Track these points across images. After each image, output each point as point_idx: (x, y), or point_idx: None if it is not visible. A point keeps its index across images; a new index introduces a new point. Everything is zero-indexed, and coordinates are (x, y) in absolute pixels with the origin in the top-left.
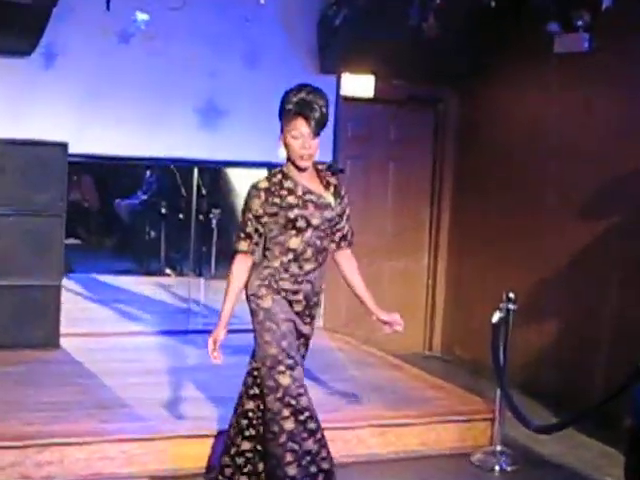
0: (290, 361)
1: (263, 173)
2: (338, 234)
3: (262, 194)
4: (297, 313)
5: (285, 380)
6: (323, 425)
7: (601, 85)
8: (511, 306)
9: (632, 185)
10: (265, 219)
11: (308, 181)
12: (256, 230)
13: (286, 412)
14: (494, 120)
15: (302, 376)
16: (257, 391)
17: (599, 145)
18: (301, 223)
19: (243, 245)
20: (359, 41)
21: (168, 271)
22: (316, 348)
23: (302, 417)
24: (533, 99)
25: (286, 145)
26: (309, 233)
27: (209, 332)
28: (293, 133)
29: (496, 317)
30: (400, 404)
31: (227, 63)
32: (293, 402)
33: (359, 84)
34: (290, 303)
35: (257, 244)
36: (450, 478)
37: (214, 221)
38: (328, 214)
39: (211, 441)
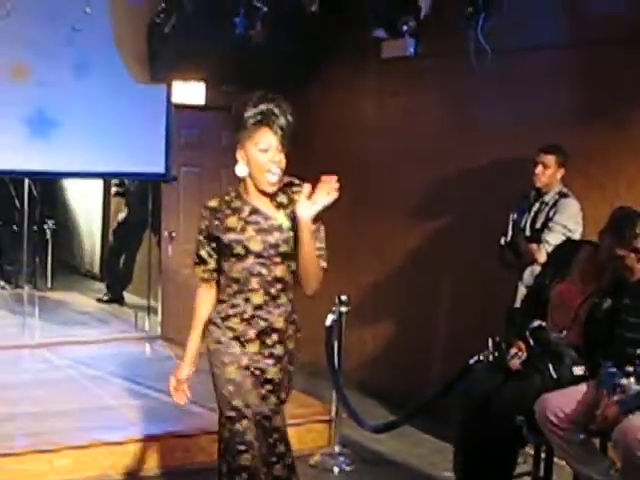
0: (232, 413)
1: (98, 183)
2: None
3: (208, 214)
4: (255, 354)
5: (225, 433)
6: (166, 435)
7: (426, 89)
8: (343, 308)
9: (458, 188)
10: (213, 244)
11: (262, 200)
12: (209, 254)
13: (224, 469)
14: (326, 125)
15: (249, 430)
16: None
17: (426, 149)
18: (238, 249)
19: (198, 271)
20: (188, 49)
21: (2, 284)
22: (154, 357)
23: (239, 479)
24: (363, 104)
25: (249, 161)
26: (250, 260)
27: (45, 345)
28: (260, 146)
29: (329, 319)
30: None
31: (57, 73)
32: (229, 459)
33: (190, 91)
34: (241, 343)
35: (216, 270)
36: None
37: (49, 232)
38: (273, 239)
39: (48, 457)
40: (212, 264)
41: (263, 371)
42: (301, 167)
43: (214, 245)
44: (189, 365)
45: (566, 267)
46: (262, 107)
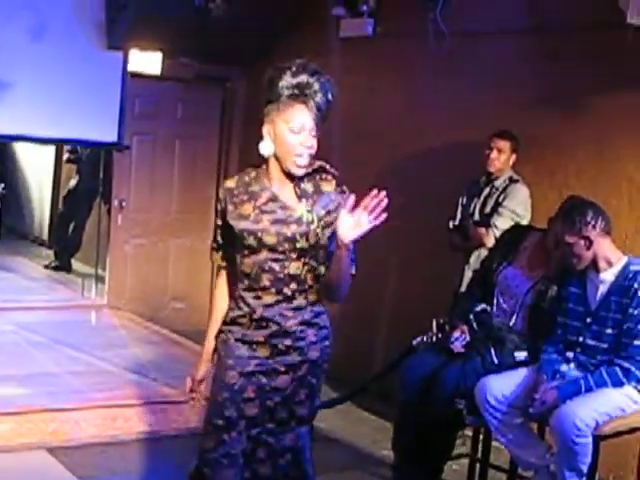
0: (221, 421)
1: (50, 149)
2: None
3: (224, 196)
4: (265, 358)
5: (207, 443)
6: (109, 404)
7: (384, 69)
8: None
9: (411, 169)
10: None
11: (283, 187)
12: (227, 241)
13: None
14: None
15: (235, 445)
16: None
17: (383, 128)
18: (250, 241)
19: (217, 258)
20: (146, 17)
21: None
22: (99, 325)
23: None
24: None
25: (276, 140)
26: (263, 254)
27: None
28: (292, 125)
29: None
30: (181, 381)
31: (12, 35)
32: (207, 471)
33: (147, 61)
34: (250, 345)
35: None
36: None
37: None
38: (290, 232)
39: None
40: (230, 250)
41: (271, 379)
42: (255, 145)
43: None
44: (206, 363)
45: (513, 252)
46: (301, 78)
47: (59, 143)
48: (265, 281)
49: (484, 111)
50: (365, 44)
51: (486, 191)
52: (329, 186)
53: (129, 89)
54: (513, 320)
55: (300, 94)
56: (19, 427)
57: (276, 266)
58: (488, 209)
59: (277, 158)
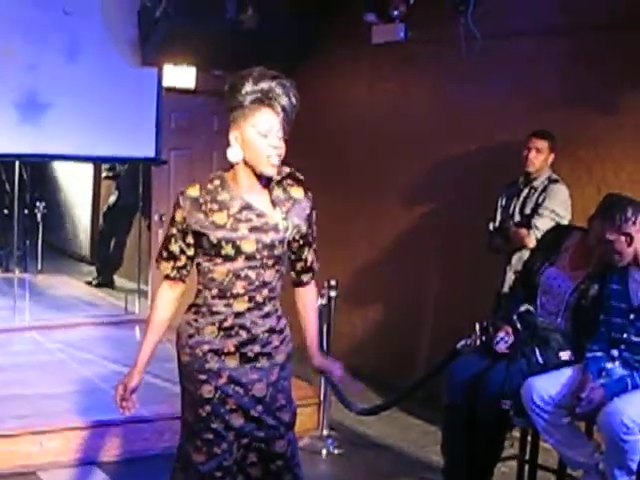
0: (210, 435)
1: (88, 166)
2: (299, 264)
3: (187, 204)
4: (234, 369)
5: (198, 458)
6: (154, 416)
7: (416, 73)
8: (333, 293)
9: (447, 173)
10: (189, 238)
11: (254, 194)
12: (182, 250)
13: None
14: (318, 110)
15: (227, 456)
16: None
17: (416, 133)
18: (228, 249)
19: (165, 267)
20: (179, 33)
21: None
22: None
23: None
24: (354, 88)
25: (244, 145)
26: (240, 262)
27: (35, 328)
28: (259, 128)
29: (318, 303)
30: None
31: (47, 56)
32: None
33: (181, 75)
34: (219, 356)
35: (185, 267)
36: None
37: (39, 215)
38: (268, 238)
39: (38, 438)
40: (183, 261)
41: (248, 389)
42: (291, 152)
43: (190, 240)
44: (140, 374)
45: (555, 253)
46: (263, 85)
47: (97, 161)
48: (239, 288)
49: (518, 112)
50: (397, 49)
51: (525, 192)
52: (299, 192)
53: (164, 104)
54: (557, 320)
55: (265, 99)
56: (69, 443)
57: (252, 273)
58: (528, 210)
59: (246, 164)
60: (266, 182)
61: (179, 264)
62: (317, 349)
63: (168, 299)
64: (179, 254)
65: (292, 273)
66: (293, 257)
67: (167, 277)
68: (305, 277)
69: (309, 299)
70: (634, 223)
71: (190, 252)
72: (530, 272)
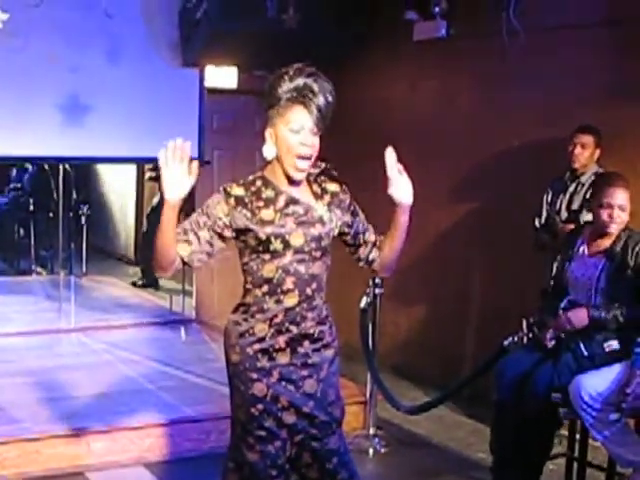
0: (262, 432)
1: (132, 168)
2: (361, 251)
3: (232, 201)
4: (285, 366)
5: (252, 456)
6: (200, 416)
7: (459, 70)
8: (378, 290)
9: (490, 169)
10: (227, 233)
11: (296, 187)
12: (210, 239)
13: None
14: (359, 108)
15: (280, 453)
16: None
17: (460, 130)
18: (276, 245)
19: (183, 249)
20: (220, 33)
21: (39, 270)
22: (189, 340)
23: None
24: (396, 87)
25: (278, 141)
26: (288, 257)
27: (81, 330)
28: (292, 126)
29: (363, 302)
30: None
31: (89, 59)
32: None
33: (222, 76)
34: (270, 354)
35: (200, 259)
36: None
37: (83, 217)
38: (316, 231)
39: (85, 440)
40: (203, 249)
41: (299, 385)
42: (334, 151)
43: (228, 234)
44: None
45: (572, 249)
46: (298, 82)
47: (140, 162)
48: (289, 284)
49: (563, 106)
50: (439, 46)
51: (572, 187)
52: (335, 186)
53: (207, 105)
54: None
55: (299, 96)
56: (115, 444)
57: (301, 268)
58: (575, 205)
59: (279, 160)
60: (297, 179)
61: (196, 249)
62: (394, 215)
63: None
64: (205, 243)
65: (361, 263)
66: (352, 248)
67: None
68: (372, 255)
69: (386, 252)
70: None
71: (218, 244)
72: (560, 273)
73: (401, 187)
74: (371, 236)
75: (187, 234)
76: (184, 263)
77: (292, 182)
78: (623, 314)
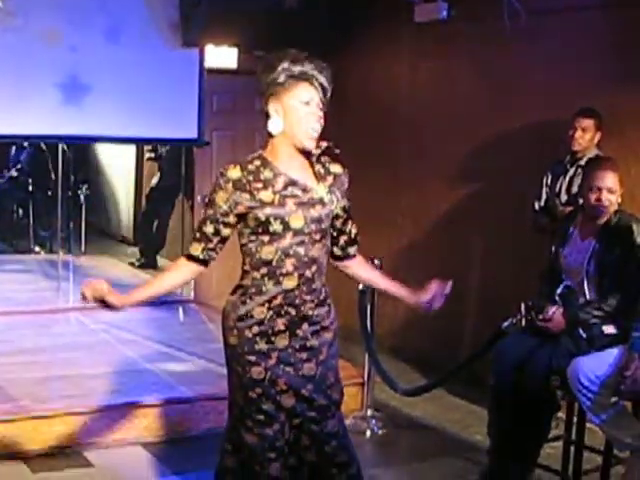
0: (261, 416)
1: (131, 148)
2: (343, 238)
3: (229, 186)
4: (283, 349)
5: (251, 439)
6: (198, 397)
7: (459, 53)
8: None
9: (490, 152)
10: (231, 219)
11: (296, 169)
12: (216, 232)
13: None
14: (359, 89)
15: (279, 436)
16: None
17: (460, 112)
18: (276, 226)
19: (195, 248)
20: (220, 13)
21: (37, 249)
22: (187, 321)
23: None
24: (396, 68)
25: (287, 115)
26: (288, 239)
27: (79, 309)
28: (301, 98)
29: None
30: None
31: (88, 38)
32: (257, 468)
33: (222, 56)
34: (268, 337)
35: (215, 250)
36: None
37: (82, 197)
38: (316, 212)
39: (83, 419)
40: (215, 242)
41: (297, 368)
42: (334, 132)
43: (230, 220)
44: (123, 300)
45: (565, 235)
46: (299, 67)
47: (140, 142)
48: (288, 266)
49: (564, 90)
50: (440, 28)
51: (572, 171)
52: (338, 167)
53: (206, 85)
54: (587, 294)
55: (303, 75)
56: (113, 423)
57: (301, 250)
58: (575, 189)
59: (287, 135)
60: (305, 156)
61: (210, 246)
62: (405, 289)
63: (182, 274)
64: (212, 236)
65: (335, 249)
66: (336, 232)
67: (192, 258)
68: (351, 249)
69: (363, 266)
70: None
71: (225, 232)
72: (555, 257)
73: (436, 298)
74: (354, 229)
75: (199, 231)
76: (202, 262)
77: (294, 158)
78: (606, 310)
